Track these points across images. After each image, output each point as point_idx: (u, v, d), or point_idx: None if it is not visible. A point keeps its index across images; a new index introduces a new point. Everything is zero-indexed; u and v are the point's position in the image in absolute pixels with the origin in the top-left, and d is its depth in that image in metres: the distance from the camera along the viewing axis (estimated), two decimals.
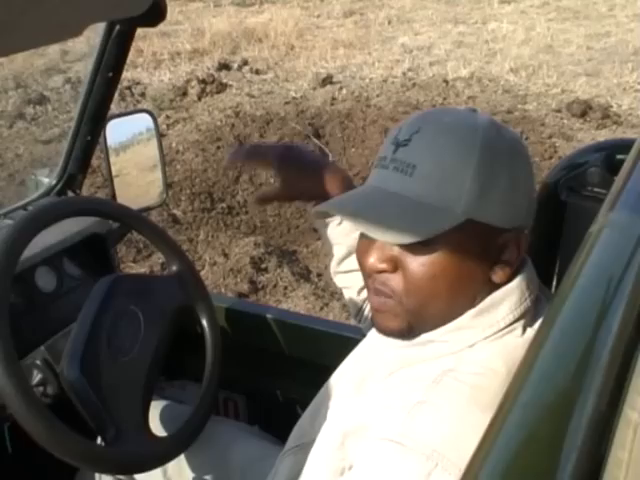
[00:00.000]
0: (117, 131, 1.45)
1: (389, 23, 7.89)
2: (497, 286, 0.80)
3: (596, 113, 4.97)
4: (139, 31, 1.34)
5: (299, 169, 1.09)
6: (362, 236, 0.83)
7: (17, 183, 4.09)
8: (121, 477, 1.32)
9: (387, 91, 5.52)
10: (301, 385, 1.33)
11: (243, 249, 3.41)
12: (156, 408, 1.32)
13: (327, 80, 5.76)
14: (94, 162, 1.98)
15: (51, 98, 5.45)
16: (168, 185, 1.64)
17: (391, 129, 0.85)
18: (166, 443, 1.17)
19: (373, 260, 0.80)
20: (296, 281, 3.24)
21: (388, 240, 0.77)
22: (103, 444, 1.09)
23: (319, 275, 3.37)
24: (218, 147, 4.35)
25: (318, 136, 4.59)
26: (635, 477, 0.42)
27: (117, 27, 1.32)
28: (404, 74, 6.00)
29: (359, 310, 1.14)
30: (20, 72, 5.82)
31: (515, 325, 0.79)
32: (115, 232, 1.47)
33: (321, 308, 3.02)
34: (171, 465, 1.23)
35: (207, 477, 1.30)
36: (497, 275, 0.79)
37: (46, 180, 1.52)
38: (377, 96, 5.38)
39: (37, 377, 1.16)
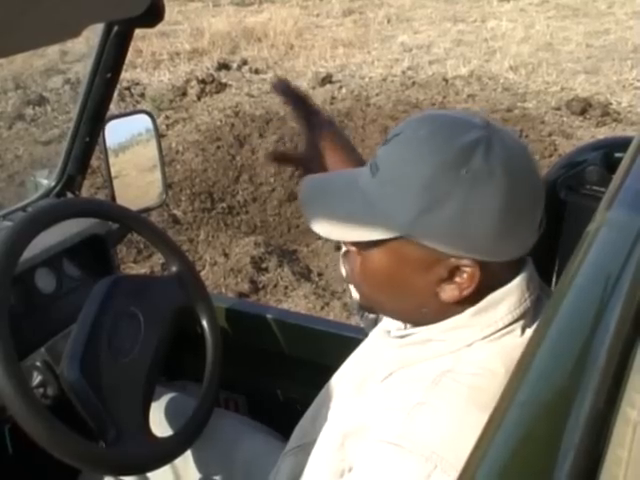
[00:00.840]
0: (116, 132, 1.45)
1: (388, 22, 7.88)
2: (472, 301, 0.77)
3: (596, 111, 4.97)
4: (138, 31, 1.34)
5: (334, 145, 1.05)
6: None
7: (16, 184, 4.08)
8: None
9: (387, 90, 5.51)
10: (301, 385, 1.33)
11: (243, 249, 3.41)
12: (156, 409, 1.32)
13: (326, 79, 5.76)
14: (93, 163, 1.98)
15: (50, 99, 5.44)
16: (168, 185, 1.64)
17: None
18: (167, 443, 1.18)
19: None
20: (297, 281, 3.24)
21: (320, 233, 0.80)
22: (103, 445, 1.09)
23: (320, 274, 3.37)
24: (218, 147, 4.34)
25: None
26: (634, 475, 0.42)
27: (115, 28, 1.32)
28: (403, 73, 5.99)
29: None
30: (19, 73, 5.80)
31: (514, 326, 0.78)
32: (115, 233, 1.47)
33: (322, 308, 3.02)
34: (177, 460, 1.23)
35: (213, 471, 1.31)
36: (445, 293, 0.76)
37: (45, 181, 1.52)
38: (377, 95, 5.38)
39: (37, 378, 1.16)
